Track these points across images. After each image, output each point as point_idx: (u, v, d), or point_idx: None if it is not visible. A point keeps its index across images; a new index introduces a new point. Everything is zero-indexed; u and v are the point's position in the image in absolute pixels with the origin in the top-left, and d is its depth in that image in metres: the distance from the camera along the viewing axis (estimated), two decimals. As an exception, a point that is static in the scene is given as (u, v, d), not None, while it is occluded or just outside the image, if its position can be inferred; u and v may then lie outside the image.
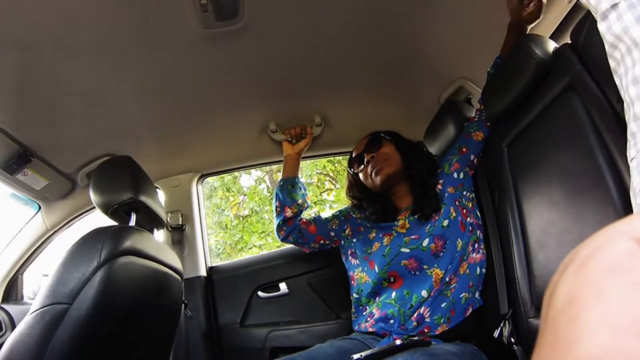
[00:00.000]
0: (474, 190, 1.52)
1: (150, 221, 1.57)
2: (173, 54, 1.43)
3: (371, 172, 1.56)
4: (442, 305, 1.34)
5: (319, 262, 2.01)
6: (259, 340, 1.98)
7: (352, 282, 1.58)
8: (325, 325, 1.92)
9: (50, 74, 1.39)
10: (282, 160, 1.92)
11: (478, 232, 1.43)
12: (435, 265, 1.38)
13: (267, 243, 6.53)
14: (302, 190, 1.79)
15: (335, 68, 1.66)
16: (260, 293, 2.09)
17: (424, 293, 1.35)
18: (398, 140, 1.64)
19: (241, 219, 6.99)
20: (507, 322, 1.14)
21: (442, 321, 1.32)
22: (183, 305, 1.73)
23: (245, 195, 7.15)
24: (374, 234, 1.56)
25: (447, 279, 1.36)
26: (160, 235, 2.07)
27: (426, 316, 1.34)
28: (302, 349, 1.37)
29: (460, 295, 1.34)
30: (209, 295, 2.09)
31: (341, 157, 2.37)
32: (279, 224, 1.74)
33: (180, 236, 2.13)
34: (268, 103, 1.84)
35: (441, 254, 1.39)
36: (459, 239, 1.40)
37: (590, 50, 0.93)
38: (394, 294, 1.41)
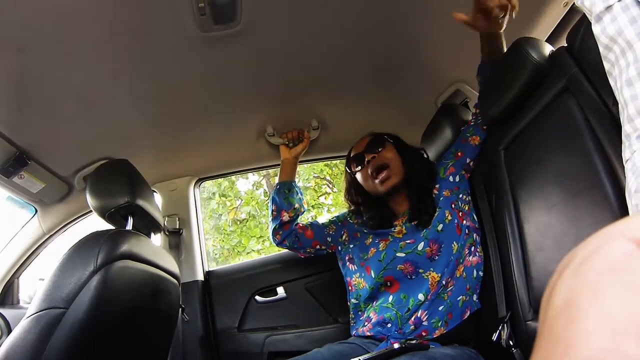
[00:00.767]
0: (471, 193, 1.52)
1: (147, 225, 1.57)
2: (170, 57, 1.43)
3: (374, 175, 1.53)
4: (440, 308, 1.33)
5: (316, 267, 2.01)
6: (256, 345, 1.97)
7: (350, 288, 1.57)
8: (323, 329, 1.91)
9: (47, 76, 1.39)
10: (279, 164, 1.92)
11: (475, 235, 1.43)
12: (431, 269, 1.38)
13: (265, 248, 6.52)
14: (299, 194, 1.78)
15: (332, 72, 1.66)
16: (257, 297, 2.09)
17: (421, 296, 1.35)
18: (399, 144, 1.62)
19: (238, 223, 6.97)
20: (505, 325, 1.14)
21: (439, 324, 1.32)
22: (180, 309, 1.73)
23: (241, 199, 7.13)
24: (371, 240, 1.55)
25: (444, 282, 1.35)
26: (157, 239, 2.06)
27: (424, 320, 1.33)
28: (299, 354, 1.36)
29: (458, 299, 1.34)
30: (206, 299, 2.08)
31: (338, 161, 2.37)
32: (275, 227, 1.73)
33: (178, 240, 2.12)
34: (265, 107, 1.84)
35: (437, 257, 1.39)
36: (454, 242, 1.40)
37: (586, 53, 0.93)
38: (390, 297, 1.41)
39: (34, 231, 2.07)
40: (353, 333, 1.49)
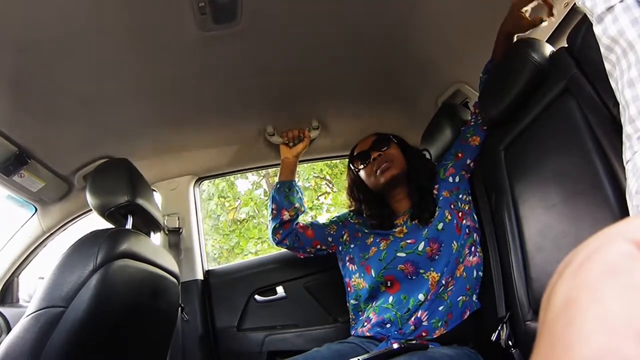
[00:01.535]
0: (471, 193, 1.52)
1: (147, 224, 1.57)
2: (171, 56, 1.43)
3: (376, 169, 1.55)
4: (440, 308, 1.33)
5: (316, 266, 2.01)
6: (256, 344, 1.97)
7: (349, 289, 1.57)
8: (323, 329, 1.91)
9: (47, 75, 1.39)
10: (279, 164, 1.92)
11: (475, 235, 1.43)
12: (432, 269, 1.38)
13: (263, 249, 6.51)
14: (299, 194, 1.78)
15: (332, 72, 1.66)
16: (257, 297, 2.08)
17: (421, 297, 1.35)
18: (403, 144, 1.64)
19: (238, 223, 6.97)
20: (504, 325, 1.14)
21: (439, 325, 1.32)
22: (180, 308, 1.73)
23: (240, 200, 7.13)
24: (372, 239, 1.55)
25: (444, 282, 1.35)
26: (157, 238, 2.06)
27: (424, 320, 1.33)
28: (299, 353, 1.36)
29: (458, 299, 1.34)
30: (205, 298, 2.08)
31: (338, 161, 2.37)
32: (275, 226, 1.72)
33: (177, 239, 2.12)
34: (265, 106, 1.84)
35: (437, 257, 1.39)
36: (454, 242, 1.40)
37: (586, 54, 0.93)
38: (391, 298, 1.40)
39: (33, 230, 2.07)
40: (352, 333, 1.49)
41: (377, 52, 1.58)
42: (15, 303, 2.17)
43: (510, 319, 1.15)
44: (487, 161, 1.41)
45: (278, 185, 1.79)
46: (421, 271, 1.39)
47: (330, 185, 7.46)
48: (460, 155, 1.52)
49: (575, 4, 0.73)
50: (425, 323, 1.33)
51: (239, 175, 5.48)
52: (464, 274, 1.37)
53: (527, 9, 1.25)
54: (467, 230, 1.43)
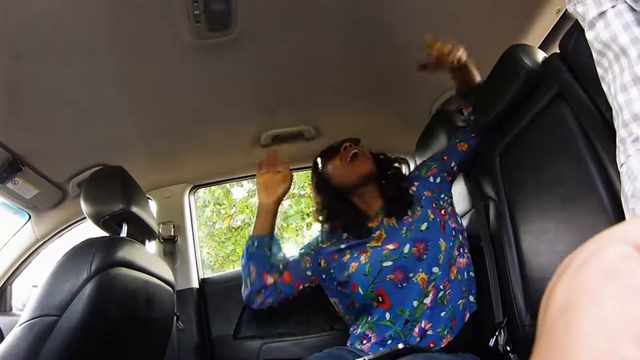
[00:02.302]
0: (467, 198, 1.52)
1: (142, 232, 1.56)
2: (166, 64, 1.44)
3: (348, 158, 1.44)
4: (442, 314, 1.29)
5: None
6: (252, 353, 1.95)
7: (337, 308, 1.51)
8: (319, 336, 1.90)
9: (42, 82, 1.38)
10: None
11: (460, 236, 1.41)
12: (420, 270, 1.31)
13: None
14: (279, 250, 1.56)
15: (327, 79, 1.67)
16: (253, 305, 2.07)
17: (415, 303, 1.29)
18: (371, 150, 1.54)
19: (233, 231, 6.94)
20: (502, 330, 1.14)
21: (445, 332, 1.27)
22: (175, 317, 1.71)
23: (236, 207, 7.11)
24: (349, 255, 1.42)
25: (441, 287, 1.31)
26: (152, 246, 2.05)
27: (428, 329, 1.27)
28: (295, 361, 1.35)
29: (458, 302, 1.30)
30: (201, 307, 2.07)
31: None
32: (256, 291, 1.52)
33: (172, 248, 2.11)
34: (260, 114, 1.84)
35: (424, 256, 1.33)
36: (441, 240, 1.35)
37: (578, 60, 0.94)
38: (387, 315, 1.32)
39: (27, 237, 2.05)
40: (349, 344, 1.41)
41: (372, 59, 1.59)
42: (8, 311, 2.15)
43: (508, 324, 1.15)
44: (482, 166, 1.41)
45: (255, 243, 1.53)
46: (410, 275, 1.31)
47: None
48: (446, 158, 1.51)
49: (566, 10, 0.74)
50: (430, 332, 1.27)
51: (234, 183, 5.46)
52: (458, 276, 1.34)
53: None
54: (453, 232, 1.39)
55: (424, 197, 1.44)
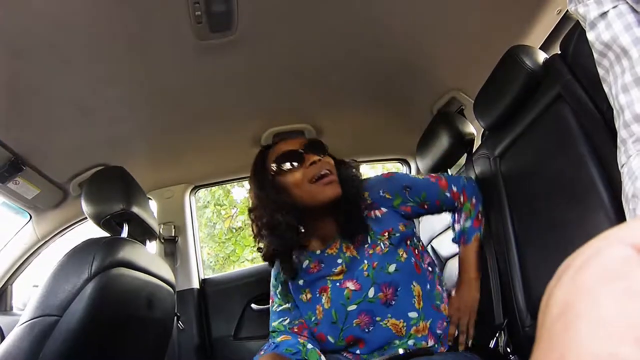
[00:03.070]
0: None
1: (143, 232, 1.56)
2: (167, 65, 1.44)
3: (318, 178, 1.19)
4: (439, 331, 1.20)
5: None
6: (252, 353, 1.91)
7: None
8: (320, 337, 1.90)
9: (42, 82, 1.39)
10: None
11: (437, 269, 1.31)
12: (389, 315, 1.16)
13: (259, 256, 6.46)
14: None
15: (328, 80, 1.67)
16: (253, 305, 2.07)
17: (397, 342, 1.15)
18: (333, 157, 1.30)
19: (234, 231, 6.95)
20: (502, 332, 1.14)
21: (443, 345, 1.20)
22: (175, 317, 1.71)
23: (236, 208, 7.11)
24: (309, 294, 1.25)
25: (438, 331, 1.19)
26: (152, 246, 2.05)
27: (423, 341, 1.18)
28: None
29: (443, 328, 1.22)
30: (201, 307, 2.07)
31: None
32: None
33: (173, 248, 2.11)
34: (261, 114, 1.84)
35: (393, 302, 1.16)
36: (414, 283, 1.18)
37: (579, 60, 0.94)
38: (369, 350, 1.19)
39: (28, 237, 2.06)
40: None
41: (373, 60, 1.59)
42: (9, 311, 2.16)
43: (508, 326, 1.15)
44: (482, 168, 1.41)
45: None
46: (377, 319, 1.17)
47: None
48: (426, 207, 1.30)
49: (567, 10, 0.74)
50: (429, 342, 1.19)
51: (235, 183, 5.47)
52: (446, 307, 1.24)
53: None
54: (428, 269, 1.25)
55: (396, 232, 1.22)
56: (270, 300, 1.37)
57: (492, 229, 1.32)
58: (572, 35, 0.97)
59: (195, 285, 2.10)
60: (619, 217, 0.80)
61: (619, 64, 0.64)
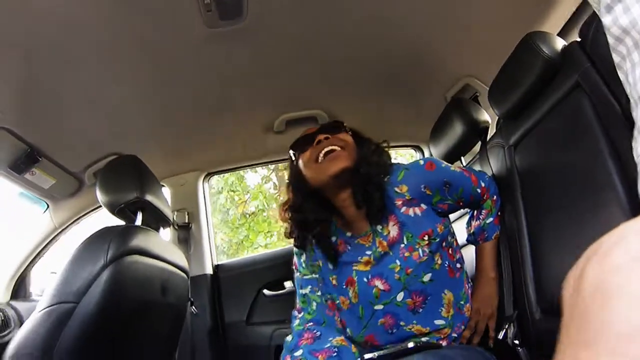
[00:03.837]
0: None
1: (157, 220, 1.58)
2: (177, 54, 1.44)
3: (321, 154, 1.17)
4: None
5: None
6: (264, 338, 1.99)
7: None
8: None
9: (55, 78, 1.41)
10: (287, 159, 1.89)
11: (465, 264, 1.28)
12: (414, 322, 1.15)
13: (272, 242, 6.56)
14: None
15: (340, 67, 1.65)
16: (265, 291, 2.11)
17: (412, 344, 1.12)
18: (358, 134, 1.28)
19: (247, 217, 7.01)
20: (512, 324, 1.13)
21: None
22: (189, 303, 1.75)
23: (249, 193, 7.17)
24: (335, 280, 1.23)
25: (454, 333, 1.18)
26: (166, 233, 2.08)
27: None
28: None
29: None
30: (215, 293, 2.11)
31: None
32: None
33: (187, 234, 2.14)
34: (273, 102, 1.84)
35: (420, 310, 1.15)
36: (446, 291, 1.17)
37: (599, 49, 0.91)
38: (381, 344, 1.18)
39: (46, 226, 2.11)
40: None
41: (385, 47, 1.57)
42: (27, 297, 2.22)
43: (518, 318, 1.14)
44: (497, 157, 1.39)
45: None
46: (402, 323, 1.15)
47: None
48: (461, 203, 1.26)
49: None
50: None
51: (249, 169, 5.51)
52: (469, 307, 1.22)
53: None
54: (459, 268, 1.22)
55: (435, 236, 1.17)
56: (294, 267, 1.35)
57: (505, 219, 1.31)
58: (591, 22, 0.94)
59: (209, 271, 2.13)
60: (634, 210, 0.78)
61: (638, 50, 0.61)
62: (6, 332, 1.74)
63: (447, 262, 1.19)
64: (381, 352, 1.08)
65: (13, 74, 1.36)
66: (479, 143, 1.59)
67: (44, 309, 1.12)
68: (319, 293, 1.28)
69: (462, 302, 1.20)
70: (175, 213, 2.13)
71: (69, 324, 1.11)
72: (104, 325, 1.17)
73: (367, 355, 1.06)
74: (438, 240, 1.17)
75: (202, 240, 2.17)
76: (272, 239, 6.60)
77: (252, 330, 2.04)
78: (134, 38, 1.35)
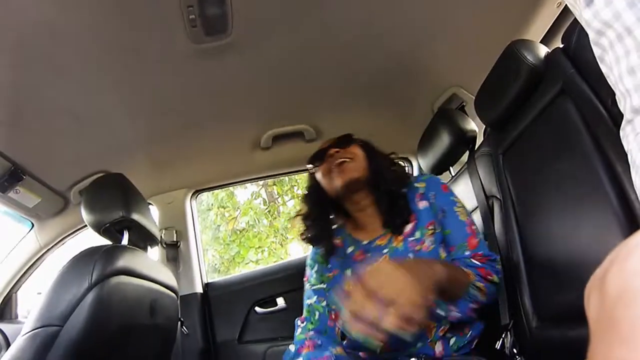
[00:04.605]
0: (475, 198, 1.47)
1: (144, 239, 1.55)
2: (163, 70, 1.43)
3: (335, 166, 1.27)
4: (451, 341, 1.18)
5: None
6: (257, 357, 1.95)
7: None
8: (325, 339, 1.89)
9: (39, 91, 1.38)
10: (274, 175, 1.89)
11: None
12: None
13: (264, 258, 6.53)
14: None
15: (326, 80, 1.66)
16: (257, 308, 2.07)
17: (419, 344, 1.14)
18: (368, 146, 1.36)
19: (237, 233, 6.97)
20: (509, 333, 1.12)
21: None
22: (179, 322, 1.71)
23: (239, 209, 7.14)
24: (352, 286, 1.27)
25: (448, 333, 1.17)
26: (154, 252, 2.04)
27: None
28: (301, 365, 1.32)
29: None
30: (205, 312, 2.07)
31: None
32: None
33: (175, 253, 2.11)
34: (260, 117, 1.84)
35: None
36: None
37: (582, 54, 0.92)
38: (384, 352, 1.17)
39: (31, 245, 2.06)
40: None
41: (370, 59, 1.58)
42: (14, 319, 2.16)
43: (514, 327, 1.12)
44: (486, 166, 1.39)
45: None
46: None
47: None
48: (442, 240, 1.24)
49: (567, 4, 0.71)
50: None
51: (237, 186, 5.49)
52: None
53: None
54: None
55: (437, 227, 1.23)
56: (305, 279, 1.39)
57: (496, 227, 1.31)
58: (574, 28, 0.95)
59: (199, 289, 2.09)
60: (626, 213, 0.78)
61: (621, 43, 0.60)
62: (-9, 357, 1.68)
63: (447, 256, 1.20)
64: None
65: None
66: (467, 153, 1.60)
67: (28, 332, 1.08)
68: (324, 303, 1.30)
69: None
70: (163, 231, 2.10)
71: (54, 348, 1.06)
72: (90, 348, 1.13)
73: None
74: (438, 232, 1.22)
75: (192, 258, 2.13)
76: (264, 254, 6.56)
77: (244, 349, 2.00)
78: (119, 56, 1.33)
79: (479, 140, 1.60)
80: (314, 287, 1.33)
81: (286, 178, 6.74)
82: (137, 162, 1.91)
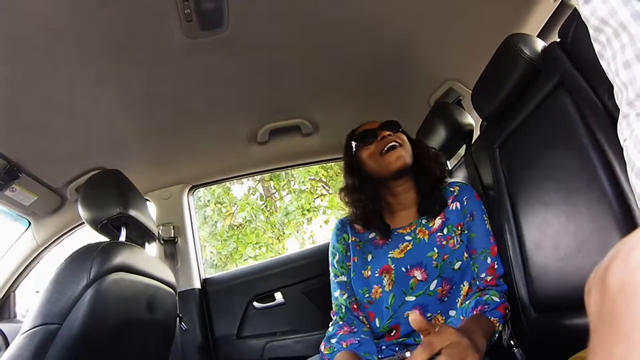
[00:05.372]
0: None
1: (141, 235, 1.55)
2: (159, 65, 1.42)
3: (385, 148, 1.28)
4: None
5: (313, 271, 2.00)
6: (256, 352, 1.96)
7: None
8: (323, 334, 1.88)
9: (34, 88, 1.37)
10: (271, 169, 1.89)
11: None
12: (439, 312, 1.20)
13: (262, 254, 6.54)
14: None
15: (322, 74, 1.65)
16: (255, 303, 2.08)
17: (408, 353, 1.10)
18: (409, 137, 1.40)
19: (235, 229, 6.97)
20: (505, 324, 1.13)
21: None
22: (178, 318, 1.71)
23: (236, 205, 7.14)
24: (369, 270, 1.28)
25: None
26: (152, 248, 2.04)
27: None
28: (299, 359, 1.34)
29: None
30: (204, 307, 2.07)
31: (333, 163, 2.37)
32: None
33: (173, 249, 2.11)
34: (256, 111, 1.83)
35: (446, 299, 1.20)
36: (464, 283, 1.22)
37: (579, 48, 0.92)
38: (401, 335, 1.22)
39: (28, 244, 2.06)
40: None
41: (367, 52, 1.57)
42: (12, 318, 2.15)
43: (512, 319, 1.14)
44: (482, 159, 1.40)
45: None
46: (428, 315, 1.19)
47: (327, 188, 7.46)
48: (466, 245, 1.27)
49: (564, -2, 0.71)
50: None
51: (234, 181, 5.49)
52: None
53: None
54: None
55: (465, 229, 1.26)
56: (330, 268, 1.40)
57: (493, 220, 1.31)
58: (570, 22, 0.95)
59: (197, 285, 2.09)
60: (622, 206, 0.79)
61: (618, 39, 0.61)
62: (-10, 356, 1.68)
63: (467, 258, 1.23)
64: None
65: None
66: (464, 146, 1.60)
67: (27, 331, 1.08)
68: (346, 296, 1.32)
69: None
70: (161, 227, 2.10)
71: (53, 346, 1.06)
72: (90, 345, 1.13)
73: None
74: (465, 233, 1.25)
75: (189, 254, 2.13)
76: (261, 250, 6.56)
77: (243, 344, 2.00)
78: (114, 51, 1.33)
79: (476, 134, 1.60)
80: (337, 280, 1.36)
81: (282, 173, 6.76)
82: (134, 158, 1.90)
